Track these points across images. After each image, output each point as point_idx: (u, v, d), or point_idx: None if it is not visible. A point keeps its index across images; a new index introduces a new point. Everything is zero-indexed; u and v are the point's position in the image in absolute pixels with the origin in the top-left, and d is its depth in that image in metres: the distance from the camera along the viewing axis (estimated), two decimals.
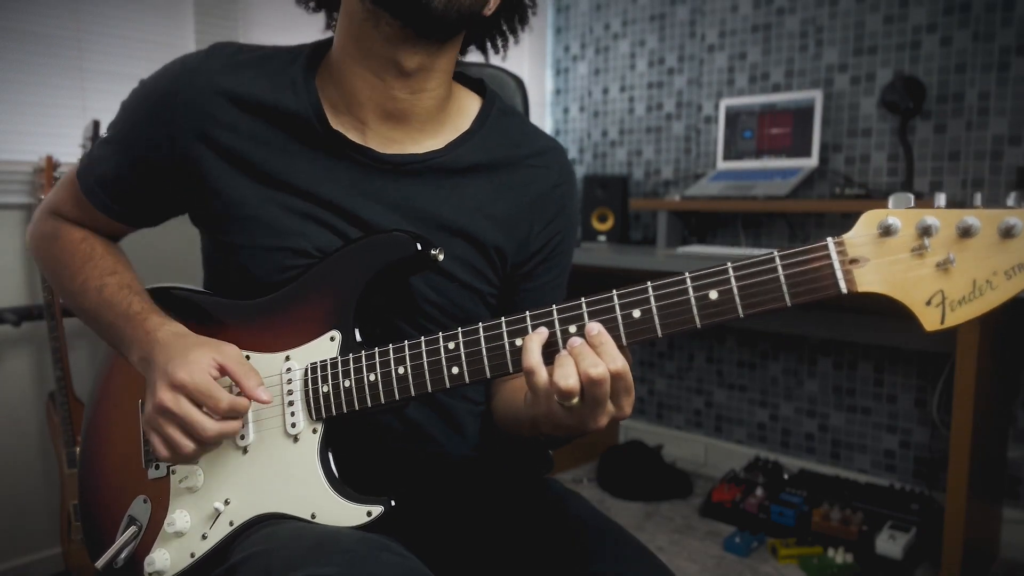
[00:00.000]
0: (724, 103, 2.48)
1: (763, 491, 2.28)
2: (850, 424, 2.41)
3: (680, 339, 2.80)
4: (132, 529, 0.83)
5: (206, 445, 0.76)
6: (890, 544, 1.95)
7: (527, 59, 3.01)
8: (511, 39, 0.94)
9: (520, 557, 0.82)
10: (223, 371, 0.77)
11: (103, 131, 0.92)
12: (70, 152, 1.88)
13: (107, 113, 1.92)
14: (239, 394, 0.77)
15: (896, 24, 2.19)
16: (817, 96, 2.29)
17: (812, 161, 2.29)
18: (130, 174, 0.87)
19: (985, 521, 1.93)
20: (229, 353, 0.78)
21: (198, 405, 0.75)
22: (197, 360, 0.75)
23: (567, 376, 0.64)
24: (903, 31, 2.18)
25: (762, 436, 2.62)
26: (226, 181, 0.84)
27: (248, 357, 0.81)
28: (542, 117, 3.09)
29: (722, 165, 2.49)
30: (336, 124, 0.84)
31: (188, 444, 0.75)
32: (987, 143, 2.06)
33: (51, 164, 1.79)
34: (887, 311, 2.17)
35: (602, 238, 2.62)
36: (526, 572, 0.80)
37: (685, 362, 2.80)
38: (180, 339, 0.79)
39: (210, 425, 0.74)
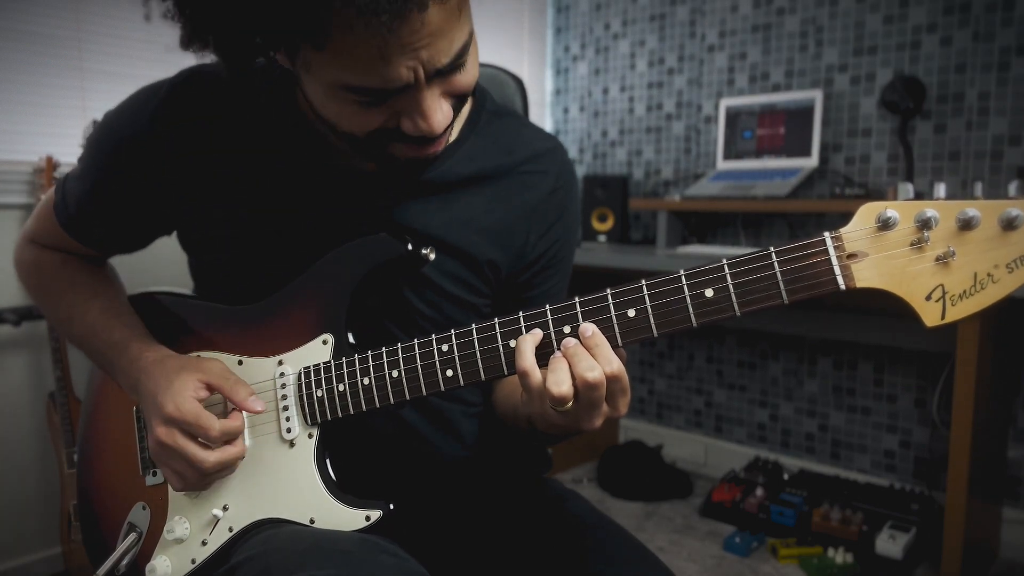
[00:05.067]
0: (724, 103, 2.48)
1: (763, 491, 2.28)
2: (850, 424, 2.41)
3: (680, 339, 2.80)
4: (132, 536, 0.83)
5: (212, 473, 0.76)
6: (890, 544, 1.95)
7: (527, 59, 3.01)
8: None
9: (519, 557, 0.82)
10: (210, 388, 0.76)
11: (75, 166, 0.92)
12: (70, 152, 1.88)
13: None
14: (232, 410, 0.77)
15: (896, 24, 2.19)
16: (817, 96, 2.28)
17: (812, 161, 2.29)
18: (105, 208, 0.87)
19: (985, 521, 1.93)
20: (213, 369, 0.77)
21: (193, 437, 0.74)
22: (181, 388, 0.75)
23: (560, 383, 0.63)
24: (903, 31, 2.18)
25: (762, 436, 2.62)
26: (206, 209, 0.83)
27: (241, 362, 0.81)
28: (542, 117, 3.09)
29: (722, 165, 2.49)
30: (318, 145, 0.82)
31: (194, 475, 0.75)
32: (987, 143, 2.06)
33: (51, 164, 1.79)
34: (887, 311, 2.17)
35: (602, 238, 2.62)
36: (525, 572, 0.80)
37: (685, 362, 2.80)
38: (161, 365, 0.78)
39: (207, 456, 0.74)
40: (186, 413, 0.73)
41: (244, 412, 0.77)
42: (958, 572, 1.68)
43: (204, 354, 0.83)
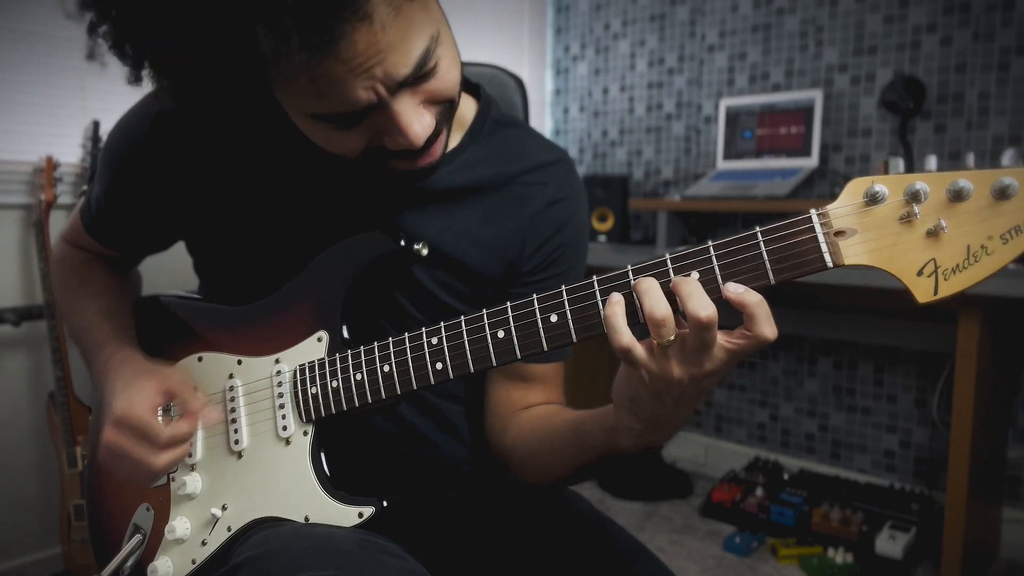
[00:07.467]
0: (724, 103, 2.48)
1: (763, 491, 2.28)
2: (850, 424, 2.41)
3: None
4: (137, 538, 0.83)
5: (160, 474, 0.77)
6: (890, 544, 1.95)
7: (527, 59, 3.01)
8: None
9: (519, 558, 0.82)
10: (169, 395, 0.77)
11: (95, 159, 0.94)
12: (70, 152, 1.88)
13: (107, 113, 1.92)
14: (183, 415, 0.78)
15: (896, 24, 2.19)
16: (817, 96, 2.28)
17: (812, 161, 2.29)
18: (120, 211, 0.89)
19: (985, 521, 1.93)
20: (174, 377, 0.78)
21: (140, 439, 0.75)
22: (139, 391, 0.76)
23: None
24: (903, 31, 2.18)
25: (762, 436, 2.62)
26: (209, 211, 0.84)
27: (240, 362, 0.82)
28: (542, 117, 3.09)
29: (722, 165, 2.49)
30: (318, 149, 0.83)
31: (140, 476, 0.76)
32: (987, 143, 2.06)
33: (51, 164, 1.79)
34: (888, 310, 2.17)
35: (602, 238, 2.62)
36: (526, 573, 0.80)
37: None
38: (125, 366, 0.80)
39: (155, 459, 0.75)
40: (136, 418, 0.74)
41: (200, 419, 0.79)
42: (958, 572, 1.68)
43: (206, 355, 0.84)
